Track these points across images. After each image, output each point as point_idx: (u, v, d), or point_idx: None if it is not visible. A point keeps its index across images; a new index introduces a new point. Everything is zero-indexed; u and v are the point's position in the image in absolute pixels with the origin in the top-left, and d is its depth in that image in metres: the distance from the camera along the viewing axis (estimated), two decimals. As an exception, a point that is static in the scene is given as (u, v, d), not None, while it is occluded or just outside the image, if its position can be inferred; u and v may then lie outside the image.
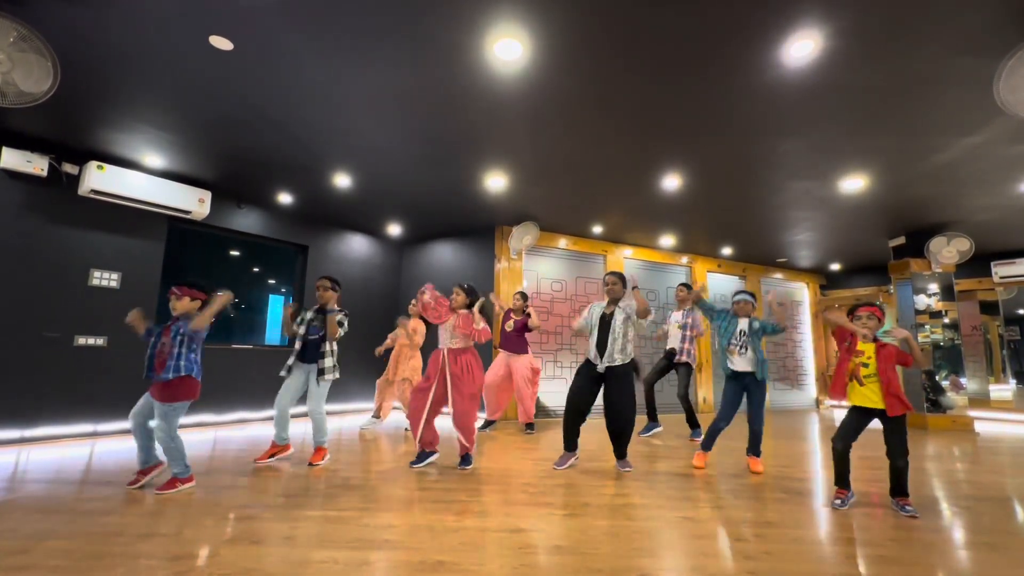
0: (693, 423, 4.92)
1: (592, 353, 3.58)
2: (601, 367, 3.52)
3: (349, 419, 5.97)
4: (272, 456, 3.65)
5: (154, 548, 2.07)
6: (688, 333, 4.89)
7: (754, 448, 3.66)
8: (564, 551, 2.12)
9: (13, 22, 2.36)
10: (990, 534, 2.45)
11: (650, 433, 5.06)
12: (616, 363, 3.49)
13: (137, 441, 2.93)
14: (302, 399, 3.71)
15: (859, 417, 2.84)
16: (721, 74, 3.06)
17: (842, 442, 2.84)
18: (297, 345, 3.68)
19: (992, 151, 4.06)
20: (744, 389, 3.63)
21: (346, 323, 3.72)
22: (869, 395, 2.78)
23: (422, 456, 3.60)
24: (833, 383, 2.94)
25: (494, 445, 4.48)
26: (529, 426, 5.20)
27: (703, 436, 3.80)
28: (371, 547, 2.12)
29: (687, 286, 5.07)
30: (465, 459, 3.55)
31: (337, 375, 3.70)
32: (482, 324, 3.54)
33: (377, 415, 5.18)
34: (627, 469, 3.54)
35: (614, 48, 2.84)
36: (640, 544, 2.22)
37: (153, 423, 2.90)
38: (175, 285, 2.96)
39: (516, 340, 5.12)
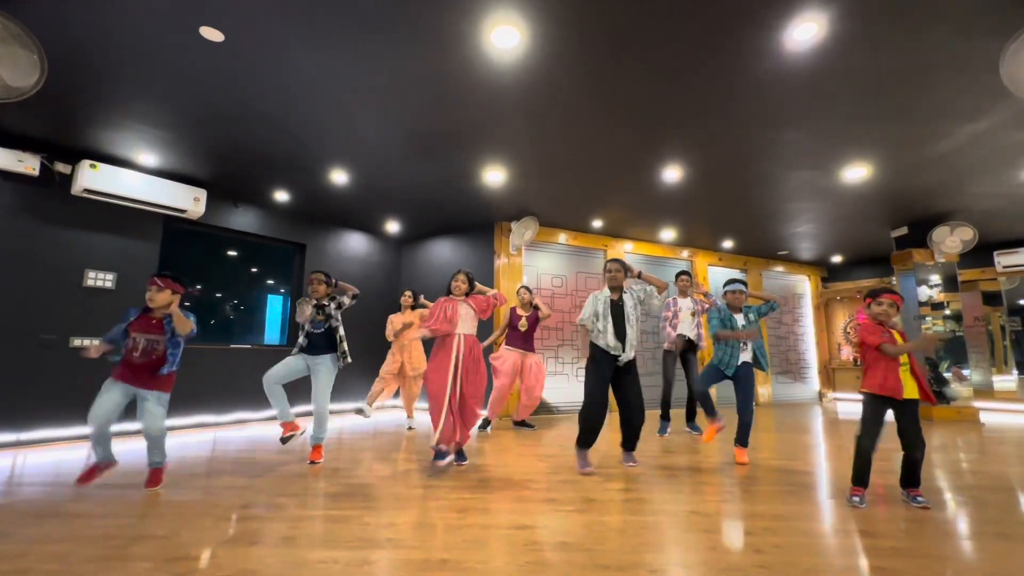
0: (711, 409, 4.79)
1: (611, 343, 3.36)
2: (623, 359, 3.36)
3: (351, 419, 5.92)
4: (291, 432, 3.54)
5: (151, 550, 2.03)
6: (701, 319, 4.84)
7: (742, 439, 3.62)
8: (570, 547, 2.08)
9: (-2, 15, 2.31)
10: (1000, 524, 2.41)
11: (668, 433, 4.84)
12: (633, 353, 3.42)
13: (102, 440, 2.80)
14: (288, 387, 3.58)
15: (880, 410, 2.70)
16: (722, 61, 3.01)
17: (871, 441, 2.67)
18: (303, 340, 3.56)
19: (996, 137, 4.01)
20: (730, 377, 3.63)
21: (347, 299, 3.71)
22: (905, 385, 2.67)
23: (442, 455, 3.33)
24: (887, 379, 2.65)
25: (496, 443, 4.44)
26: (527, 423, 5.15)
27: (706, 407, 3.83)
28: (373, 546, 2.08)
29: (688, 274, 4.99)
30: (460, 454, 3.50)
31: (347, 362, 3.64)
32: (491, 291, 3.65)
33: (371, 403, 4.98)
34: (632, 464, 3.49)
35: (613, 36, 2.79)
36: (647, 539, 2.18)
37: (140, 424, 2.83)
38: (158, 276, 2.87)
39: (529, 338, 5.05)
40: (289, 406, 3.53)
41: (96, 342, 2.83)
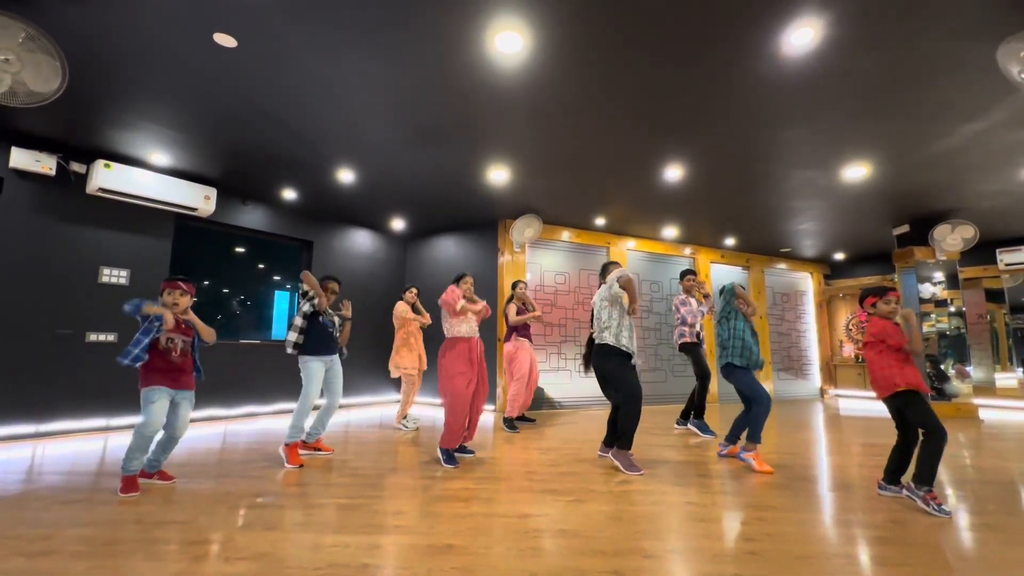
0: (700, 412, 4.85)
1: (634, 347, 3.40)
2: (635, 360, 3.43)
3: (355, 413, 6.04)
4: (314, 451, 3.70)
5: (170, 534, 2.14)
6: (703, 320, 4.84)
7: (738, 437, 3.63)
8: (569, 534, 2.17)
9: (22, 22, 2.40)
10: (992, 516, 2.47)
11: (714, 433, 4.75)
12: None
13: (147, 449, 2.77)
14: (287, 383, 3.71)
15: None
16: (722, 63, 3.06)
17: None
18: (320, 338, 3.58)
19: (996, 136, 4.04)
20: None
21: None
22: None
23: (464, 450, 3.62)
24: (916, 376, 2.68)
25: (499, 437, 4.54)
26: (527, 418, 5.26)
27: (750, 431, 3.43)
28: (382, 532, 2.18)
29: (693, 273, 4.99)
30: (464, 447, 3.63)
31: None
32: (482, 301, 3.76)
33: (407, 414, 4.99)
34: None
35: (614, 39, 2.85)
36: (643, 527, 2.27)
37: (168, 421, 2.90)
38: (182, 281, 2.89)
39: (531, 330, 5.14)
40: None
41: (156, 307, 2.76)
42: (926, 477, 2.57)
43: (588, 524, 2.29)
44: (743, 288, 3.69)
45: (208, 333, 2.96)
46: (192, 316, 2.92)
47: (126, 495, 2.67)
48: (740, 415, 3.63)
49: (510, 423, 4.84)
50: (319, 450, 3.68)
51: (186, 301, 2.90)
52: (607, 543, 2.07)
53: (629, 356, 3.40)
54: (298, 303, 3.66)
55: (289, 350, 3.52)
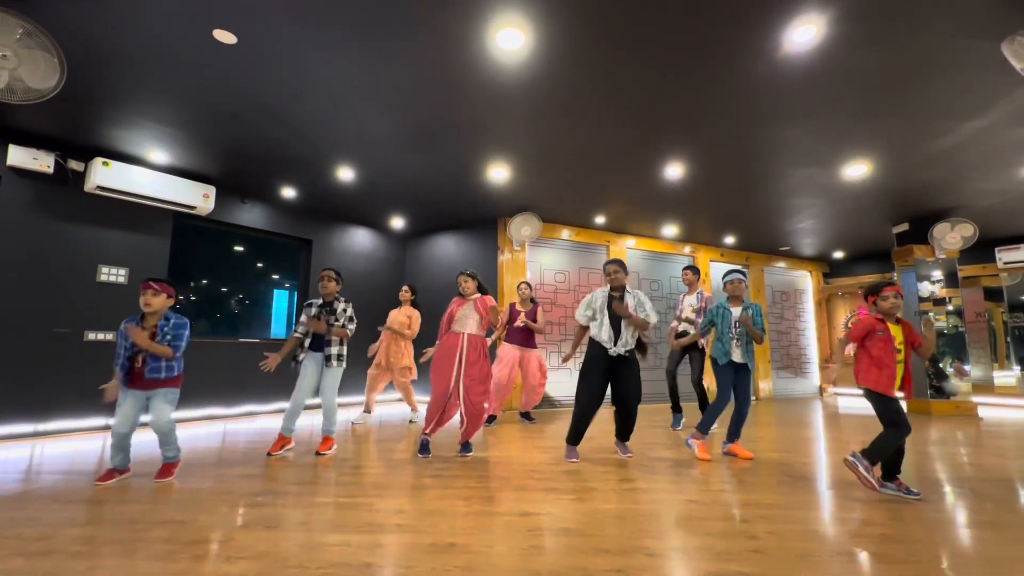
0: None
1: (605, 337, 3.44)
2: (614, 351, 3.41)
3: (355, 411, 6.02)
4: (282, 448, 3.68)
5: (171, 533, 2.12)
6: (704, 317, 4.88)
7: (737, 433, 3.64)
8: (572, 533, 2.17)
9: (19, 19, 2.38)
10: (992, 513, 2.47)
11: (681, 426, 4.84)
12: (630, 347, 3.45)
13: (122, 446, 2.87)
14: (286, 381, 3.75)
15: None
16: (723, 61, 3.06)
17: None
18: (307, 340, 3.70)
19: (996, 135, 4.05)
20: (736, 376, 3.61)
21: (350, 310, 3.82)
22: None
23: (426, 448, 3.59)
24: (906, 381, 2.74)
25: (499, 435, 4.53)
26: (529, 416, 5.25)
27: (702, 420, 3.61)
28: (383, 531, 2.17)
29: (694, 269, 5.00)
30: (466, 446, 3.61)
31: (345, 363, 3.76)
32: (502, 312, 3.73)
33: (368, 409, 5.13)
34: (628, 455, 3.57)
35: (615, 37, 2.84)
36: (646, 526, 2.26)
37: (149, 418, 2.89)
38: (152, 280, 2.88)
39: (528, 333, 5.07)
40: (294, 423, 3.68)
41: (113, 382, 2.85)
42: (873, 454, 2.72)
43: (591, 522, 2.29)
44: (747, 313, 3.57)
45: (159, 351, 2.85)
46: (150, 345, 2.81)
47: (98, 483, 2.83)
48: (732, 413, 3.65)
49: (489, 418, 4.96)
50: (322, 453, 3.65)
51: (158, 302, 2.86)
52: (610, 541, 2.07)
53: (602, 347, 3.46)
54: (296, 318, 3.67)
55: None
